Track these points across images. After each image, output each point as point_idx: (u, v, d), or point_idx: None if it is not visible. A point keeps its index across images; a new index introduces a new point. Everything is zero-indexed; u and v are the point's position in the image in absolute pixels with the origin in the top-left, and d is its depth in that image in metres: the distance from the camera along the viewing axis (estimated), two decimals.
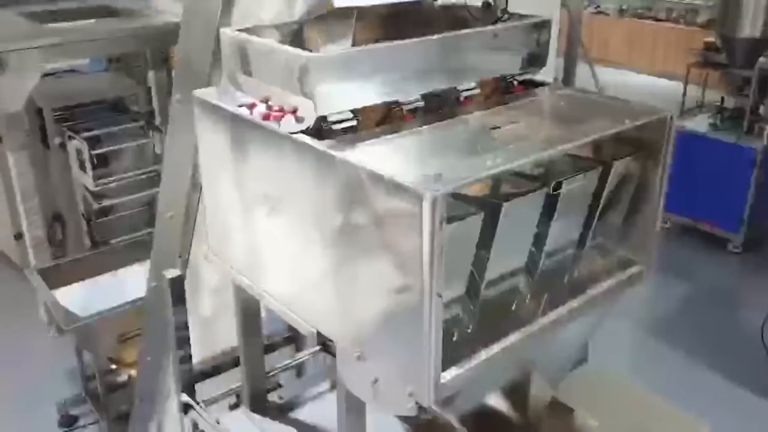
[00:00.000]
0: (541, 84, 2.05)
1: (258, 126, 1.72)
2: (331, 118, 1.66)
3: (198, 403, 2.69)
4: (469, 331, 1.71)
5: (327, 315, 1.72)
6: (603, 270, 1.97)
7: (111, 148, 4.72)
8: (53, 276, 4.11)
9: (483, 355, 1.62)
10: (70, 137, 4.74)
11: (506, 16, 1.96)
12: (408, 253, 1.42)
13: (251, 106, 1.76)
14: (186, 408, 2.78)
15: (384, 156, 1.55)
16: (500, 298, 1.76)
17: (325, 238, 1.64)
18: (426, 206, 1.35)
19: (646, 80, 11.56)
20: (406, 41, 1.70)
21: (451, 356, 1.61)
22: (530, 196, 1.61)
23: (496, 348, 1.64)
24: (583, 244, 1.90)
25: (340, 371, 1.74)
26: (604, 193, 1.82)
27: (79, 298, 4.17)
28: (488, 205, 1.57)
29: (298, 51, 1.61)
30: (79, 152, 4.68)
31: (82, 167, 4.71)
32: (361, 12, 1.83)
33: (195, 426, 2.69)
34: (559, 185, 1.62)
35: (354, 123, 1.69)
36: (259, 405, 2.40)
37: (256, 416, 2.36)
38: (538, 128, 1.72)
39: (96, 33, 4.68)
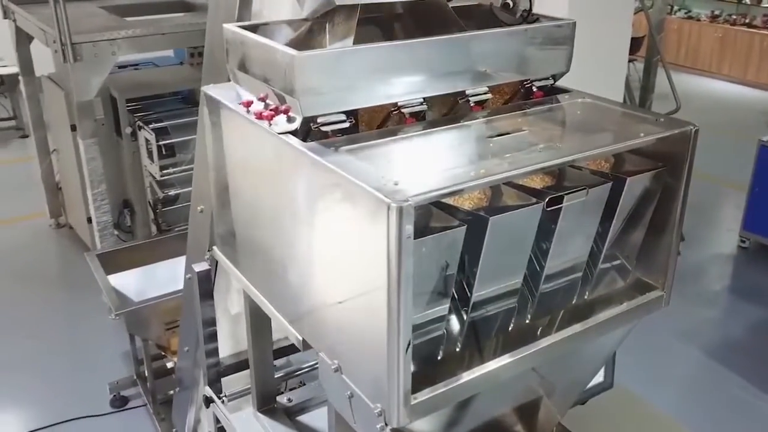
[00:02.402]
0: (564, 91, 1.92)
1: (251, 123, 1.68)
2: (321, 120, 1.60)
3: (221, 397, 2.71)
4: (457, 350, 1.62)
5: (309, 323, 1.67)
6: (619, 293, 1.83)
7: (178, 139, 4.83)
8: (112, 261, 4.24)
9: (464, 377, 1.52)
10: (140, 127, 4.88)
11: (522, 16, 1.83)
12: (373, 264, 1.34)
13: (248, 104, 1.72)
14: (208, 401, 2.80)
15: (362, 161, 1.47)
16: (496, 318, 1.65)
17: (303, 243, 1.58)
18: (392, 217, 1.27)
19: (735, 89, 10.88)
20: (397, 42, 1.62)
21: (432, 375, 1.53)
22: (522, 211, 1.49)
23: (479, 371, 1.54)
24: (595, 264, 1.77)
25: (321, 382, 1.68)
26: (618, 211, 1.68)
27: (136, 283, 4.29)
28: (475, 219, 1.48)
29: (285, 49, 1.55)
30: (147, 142, 4.81)
31: (150, 156, 4.84)
32: (368, 10, 1.76)
33: (217, 420, 2.70)
34: (554, 201, 1.50)
35: (346, 125, 1.62)
36: (267, 406, 2.37)
37: (262, 417, 2.34)
38: (543, 138, 1.60)
39: (168, 27, 4.80)
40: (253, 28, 1.93)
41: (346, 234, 1.43)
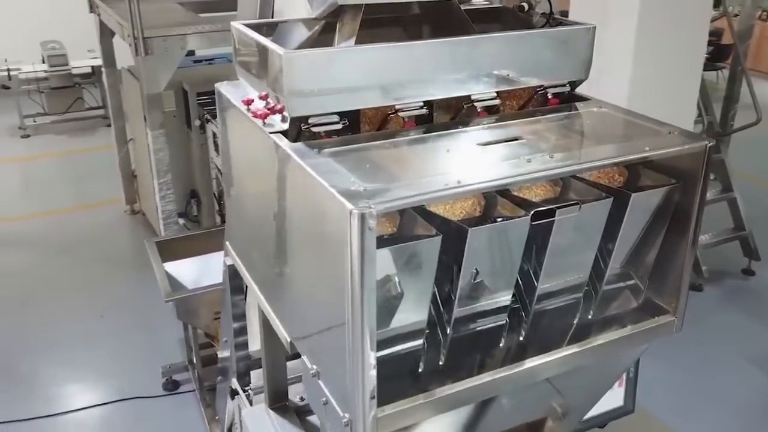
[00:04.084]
0: (583, 99, 1.83)
1: (249, 121, 1.68)
2: (312, 120, 1.58)
3: (247, 390, 2.74)
4: (441, 364, 1.56)
5: (295, 325, 1.65)
6: (627, 315, 1.72)
7: None
8: (171, 248, 4.37)
9: (437, 393, 1.46)
10: (208, 120, 5.01)
11: (540, 20, 1.75)
12: (339, 271, 1.31)
13: (248, 102, 1.72)
14: (233, 393, 2.84)
15: (342, 164, 1.44)
16: (485, 334, 1.58)
17: (285, 243, 1.57)
18: (353, 223, 1.24)
19: None
20: (392, 44, 1.57)
21: (409, 389, 1.48)
22: (505, 223, 1.42)
23: (454, 388, 1.48)
24: (600, 283, 1.67)
25: (303, 384, 1.66)
26: (622, 228, 1.58)
27: (191, 272, 4.40)
28: (456, 229, 1.42)
29: (276, 48, 1.54)
30: (214, 134, 4.94)
31: (217, 149, 4.96)
32: (375, 11, 1.72)
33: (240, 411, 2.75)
34: (541, 215, 1.42)
35: (339, 126, 1.59)
36: (279, 404, 2.37)
37: (273, 414, 2.34)
38: (539, 148, 1.52)
39: None
40: (272, 27, 1.94)
41: (319, 238, 1.41)
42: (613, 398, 2.15)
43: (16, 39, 8.15)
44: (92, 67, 7.71)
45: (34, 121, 7.99)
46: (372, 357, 1.34)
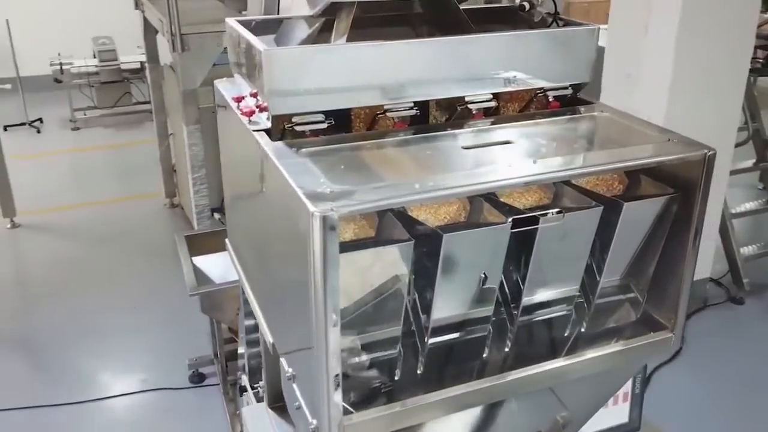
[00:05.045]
0: (586, 102, 1.75)
1: (238, 118, 1.66)
2: (296, 119, 1.55)
3: (256, 387, 2.75)
4: (419, 373, 1.52)
5: (276, 327, 1.63)
6: (622, 330, 1.64)
7: None
8: (200, 243, 4.41)
9: (409, 403, 1.42)
10: None
11: (542, 19, 1.69)
12: (303, 274, 1.28)
13: (239, 99, 1.70)
14: (242, 390, 2.85)
15: (317, 164, 1.41)
16: (467, 344, 1.53)
17: (268, 243, 1.54)
18: (315, 225, 1.21)
19: None
20: (377, 42, 1.52)
21: (383, 398, 1.44)
22: (482, 230, 1.37)
23: (427, 399, 1.43)
24: (591, 294, 1.60)
25: (282, 387, 1.64)
26: (614, 239, 1.50)
27: (219, 267, 4.44)
28: (432, 235, 1.37)
29: (258, 44, 1.51)
30: None
31: None
32: (369, 9, 1.68)
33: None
34: (521, 223, 1.36)
35: (323, 126, 1.56)
36: (279, 403, 2.35)
37: (272, 413, 2.33)
38: (526, 153, 1.46)
39: None
40: (275, 23, 1.92)
41: (290, 239, 1.38)
42: (618, 414, 2.06)
43: (70, 34, 8.38)
44: (140, 62, 7.87)
45: (84, 114, 8.20)
46: (337, 364, 1.30)
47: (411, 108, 1.61)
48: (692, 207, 1.47)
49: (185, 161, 5.06)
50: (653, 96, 4.04)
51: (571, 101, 1.76)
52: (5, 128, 7.78)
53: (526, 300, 1.50)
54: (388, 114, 1.59)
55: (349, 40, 1.63)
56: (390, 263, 1.35)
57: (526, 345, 1.57)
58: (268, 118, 1.57)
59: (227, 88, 1.86)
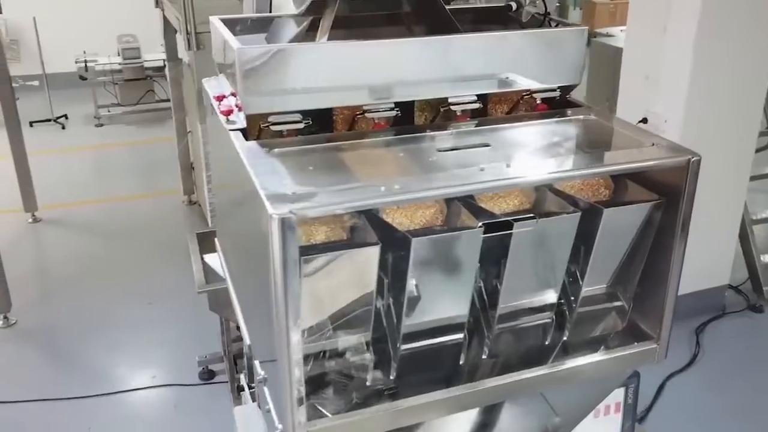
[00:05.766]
0: (574, 105, 1.70)
1: (217, 117, 1.65)
2: (273, 118, 1.53)
3: (253, 387, 2.73)
4: (391, 379, 1.48)
5: (252, 330, 1.61)
6: (604, 339, 1.59)
7: None
8: (211, 241, 4.41)
9: (376, 411, 1.38)
10: None
11: (532, 20, 1.64)
12: (266, 274, 1.26)
13: (220, 98, 1.69)
14: (239, 389, 2.84)
15: (285, 165, 1.38)
16: (439, 352, 1.49)
17: (241, 244, 1.52)
18: (274, 228, 1.18)
19: None
20: (354, 42, 1.49)
21: (351, 404, 1.41)
22: (452, 234, 1.33)
23: (397, 406, 1.39)
24: (573, 302, 1.55)
25: (256, 390, 1.62)
26: (595, 245, 1.46)
27: None
28: (401, 238, 1.34)
29: (233, 42, 1.49)
30: None
31: None
32: (354, 8, 1.65)
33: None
34: (491, 228, 1.32)
35: (300, 126, 1.54)
36: None
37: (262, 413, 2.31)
38: (501, 156, 1.42)
39: None
40: (267, 22, 1.91)
41: (256, 241, 1.36)
42: (610, 426, 2.00)
43: (95, 32, 8.49)
44: (163, 60, 7.93)
45: (108, 111, 8.30)
46: (299, 369, 1.28)
47: (392, 109, 1.58)
48: (675, 214, 1.42)
49: (201, 159, 5.08)
50: (671, 98, 3.95)
51: (560, 103, 1.71)
52: (31, 124, 7.90)
53: (504, 307, 1.46)
54: (367, 115, 1.56)
55: (331, 38, 1.61)
56: (359, 267, 1.32)
57: (503, 353, 1.53)
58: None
59: (213, 86, 1.84)
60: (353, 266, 1.32)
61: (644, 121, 3.98)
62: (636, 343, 1.56)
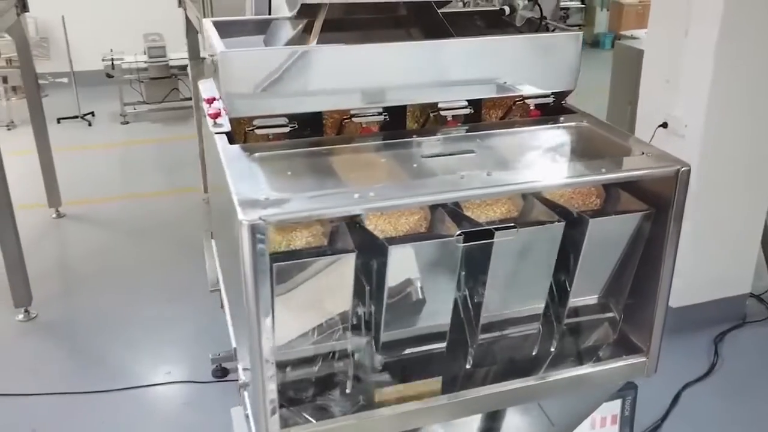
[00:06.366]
0: (568, 111, 1.67)
1: (207, 120, 1.64)
2: (258, 122, 1.52)
3: None
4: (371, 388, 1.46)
5: (237, 334, 1.60)
6: (593, 352, 1.56)
7: None
8: None
9: (353, 418, 1.37)
10: None
11: (526, 24, 1.61)
12: (240, 278, 1.25)
13: (210, 101, 1.68)
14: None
15: (264, 169, 1.37)
16: (422, 360, 1.47)
17: (225, 249, 1.52)
18: (243, 233, 1.17)
19: None
20: (334, 45, 1.47)
21: (328, 412, 1.40)
22: (430, 243, 1.31)
23: (374, 416, 1.38)
24: (562, 313, 1.52)
25: (238, 393, 1.61)
26: (581, 256, 1.42)
27: None
28: (380, 246, 1.32)
29: (219, 45, 1.48)
30: None
31: None
32: (345, 11, 1.64)
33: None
34: (471, 237, 1.30)
35: (285, 130, 1.52)
36: None
37: None
38: (484, 163, 1.39)
39: None
40: (266, 24, 1.90)
41: (234, 246, 1.35)
42: None
43: (122, 30, 8.60)
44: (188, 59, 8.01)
45: (134, 109, 8.39)
46: (271, 376, 1.27)
47: (380, 114, 1.56)
48: (664, 224, 1.38)
49: None
50: (692, 102, 3.87)
51: (554, 109, 1.67)
52: (59, 120, 8.02)
53: (489, 316, 1.44)
54: (354, 120, 1.54)
55: (321, 42, 1.59)
56: (335, 274, 1.31)
57: (488, 363, 1.50)
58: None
59: (207, 89, 1.84)
60: (329, 273, 1.30)
61: (664, 125, 3.91)
62: (625, 356, 1.52)
